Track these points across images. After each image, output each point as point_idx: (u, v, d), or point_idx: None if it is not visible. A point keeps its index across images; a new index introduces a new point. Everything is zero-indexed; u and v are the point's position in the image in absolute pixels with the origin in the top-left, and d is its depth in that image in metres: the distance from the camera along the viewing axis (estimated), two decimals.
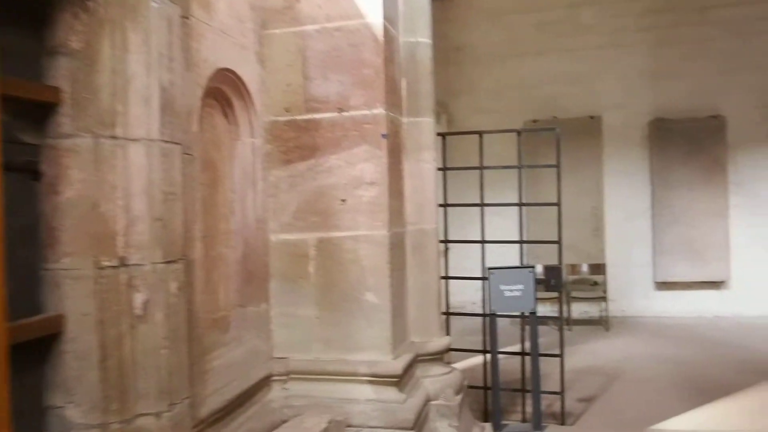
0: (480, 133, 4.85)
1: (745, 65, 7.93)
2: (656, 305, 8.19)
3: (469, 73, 8.64)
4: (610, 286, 8.12)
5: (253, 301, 3.35)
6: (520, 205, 4.94)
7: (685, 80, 8.08)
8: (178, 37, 2.44)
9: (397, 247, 3.26)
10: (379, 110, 3.07)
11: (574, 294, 7.81)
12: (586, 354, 6.47)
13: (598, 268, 8.00)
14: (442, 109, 8.45)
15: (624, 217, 8.26)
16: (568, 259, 8.25)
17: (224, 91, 3.14)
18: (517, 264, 5.13)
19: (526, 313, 4.33)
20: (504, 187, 7.62)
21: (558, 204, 4.75)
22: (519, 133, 4.87)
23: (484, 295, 4.47)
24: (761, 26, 7.86)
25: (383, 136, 3.06)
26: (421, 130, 3.56)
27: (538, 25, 8.43)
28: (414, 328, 3.54)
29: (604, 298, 7.64)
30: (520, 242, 4.99)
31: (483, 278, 4.56)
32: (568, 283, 8.10)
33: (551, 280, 4.45)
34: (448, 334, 4.99)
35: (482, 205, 4.95)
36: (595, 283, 8.18)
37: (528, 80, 8.45)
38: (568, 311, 7.79)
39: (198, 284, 2.80)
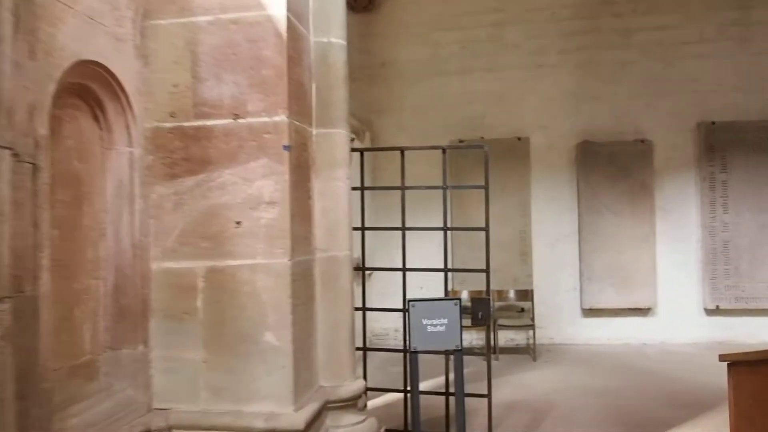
0: (401, 150, 4.45)
1: (668, 89, 7.94)
2: (584, 332, 8.00)
3: (394, 91, 8.31)
4: (538, 313, 7.87)
5: (128, 343, 2.79)
6: (445, 229, 4.55)
7: (610, 103, 8.02)
8: (12, 13, 1.90)
9: (302, 277, 2.79)
10: (281, 117, 2.60)
11: (501, 322, 7.50)
12: (513, 387, 6.13)
13: (526, 295, 7.75)
14: (365, 127, 8.07)
15: (551, 241, 8.08)
16: (494, 284, 7.94)
17: (93, 90, 2.60)
18: (442, 293, 4.72)
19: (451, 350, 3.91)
20: (430, 210, 7.32)
21: (486, 228, 4.40)
22: (444, 150, 4.50)
23: (405, 326, 4.03)
24: (683, 51, 7.91)
25: (285, 148, 2.59)
26: (334, 143, 3.10)
27: (463, 43, 8.20)
28: (324, 370, 3.05)
29: (531, 326, 7.37)
30: (445, 270, 4.59)
31: (404, 310, 4.12)
32: (494, 311, 7.81)
33: (479, 313, 4.05)
34: (365, 368, 4.52)
35: (403, 229, 4.53)
36: (522, 310, 7.93)
37: (454, 99, 8.19)
38: (495, 339, 7.48)
39: (46, 326, 2.23)
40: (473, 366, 6.73)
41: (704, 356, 7.19)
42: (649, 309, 7.89)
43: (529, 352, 7.52)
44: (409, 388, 3.89)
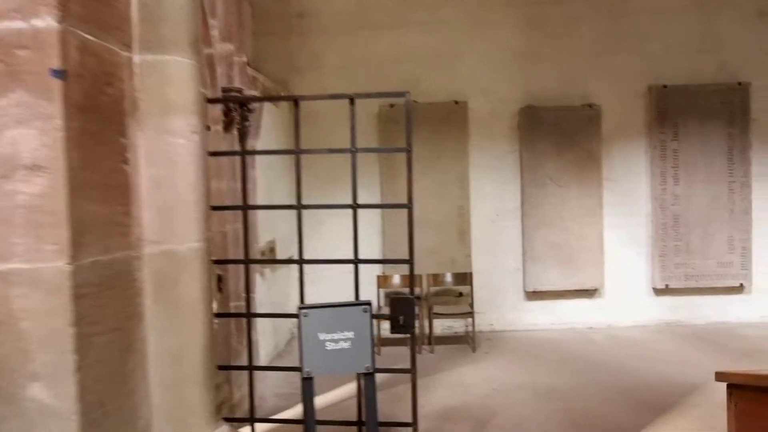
0: (295, 100, 3.44)
1: (618, 49, 7.18)
2: (527, 317, 7.25)
3: (314, 46, 7.23)
4: (478, 298, 7.06)
5: None
6: (354, 207, 3.59)
7: (555, 64, 7.19)
8: None
9: (107, 288, 1.78)
10: (48, 21, 1.56)
11: (436, 309, 6.63)
12: (449, 389, 5.29)
13: (464, 278, 6.91)
14: (280, 87, 6.97)
15: (492, 217, 7.25)
16: (429, 267, 7.11)
17: None
18: (356, 292, 3.80)
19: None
20: (360, 185, 6.39)
21: (409, 205, 3.46)
22: (352, 100, 3.51)
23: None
24: (633, 6, 7.14)
25: (56, 74, 1.56)
26: (169, 78, 2.05)
27: None
28: (162, 421, 2.05)
29: (470, 314, 6.52)
30: (355, 262, 3.66)
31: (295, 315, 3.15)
32: (429, 296, 6.94)
33: (400, 318, 3.12)
34: (251, 389, 3.55)
35: (299, 207, 3.56)
36: (461, 295, 7.10)
37: (384, 57, 7.18)
38: (430, 328, 6.62)
39: None
40: (404, 359, 5.85)
41: (656, 341, 6.57)
42: (595, 290, 7.19)
43: (468, 341, 6.70)
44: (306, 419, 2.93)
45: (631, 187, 7.24)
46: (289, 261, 3.74)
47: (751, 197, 7.10)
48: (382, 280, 6.94)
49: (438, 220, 7.08)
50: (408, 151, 3.38)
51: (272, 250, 6.30)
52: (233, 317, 4.50)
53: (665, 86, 7.12)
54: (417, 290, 6.94)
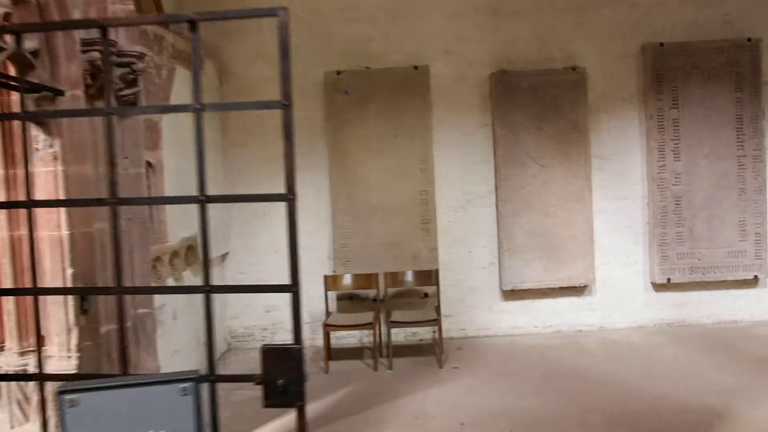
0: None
1: (605, 0, 6.07)
2: (505, 320, 6.16)
3: (247, 4, 6.01)
4: (446, 298, 5.97)
5: None
6: (200, 201, 2.44)
7: (532, 20, 6.08)
8: None
9: None
10: None
11: (395, 317, 5.50)
12: (406, 422, 4.18)
13: (429, 276, 5.79)
14: (208, 54, 5.76)
15: (462, 204, 6.14)
16: (387, 264, 5.96)
17: None
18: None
19: None
20: (307, 165, 5.28)
21: (290, 197, 2.30)
22: (193, 25, 2.31)
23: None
24: None
25: None
26: None
27: None
28: None
29: (436, 321, 5.40)
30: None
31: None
32: (387, 298, 5.81)
33: (278, 383, 1.97)
34: None
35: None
36: (426, 296, 5.99)
37: (330, 16, 6.03)
38: (388, 338, 5.50)
39: None
40: (359, 381, 4.77)
41: (658, 347, 5.53)
42: (584, 287, 6.12)
43: (434, 352, 5.59)
44: None
45: (625, 165, 6.16)
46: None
47: (766, 174, 6.05)
48: (331, 281, 5.80)
49: (397, 207, 5.94)
50: (285, 106, 2.20)
51: (191, 248, 5.12)
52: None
53: (662, 44, 6.03)
54: (372, 293, 5.82)
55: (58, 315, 3.22)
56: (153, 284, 4.36)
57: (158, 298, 4.56)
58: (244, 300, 6.16)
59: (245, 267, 6.18)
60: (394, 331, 5.59)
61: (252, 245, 6.14)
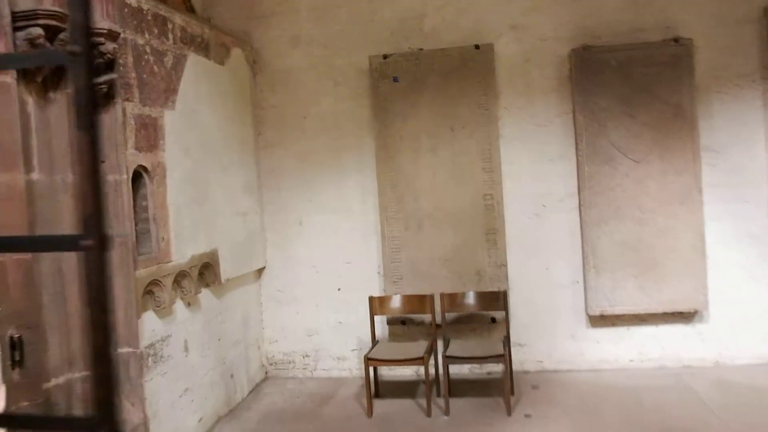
0: None
1: None
2: (592, 351, 5.04)
3: None
4: (518, 324, 4.94)
5: None
6: None
7: None
8: None
9: None
10: None
11: (452, 350, 4.51)
12: None
13: (496, 298, 4.77)
14: (238, 41, 5.01)
15: (536, 209, 5.07)
16: (444, 284, 4.98)
17: None
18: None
19: None
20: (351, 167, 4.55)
21: (88, 244, 1.22)
22: None
23: None
24: None
25: None
26: None
27: None
28: None
29: (501, 357, 4.36)
30: None
31: None
32: (445, 326, 4.83)
33: None
34: None
35: None
36: (493, 321, 4.96)
37: None
38: (445, 375, 4.52)
39: None
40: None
41: None
42: (694, 312, 4.90)
43: (502, 393, 4.54)
44: None
45: (744, 159, 4.89)
46: None
47: None
48: (378, 304, 4.89)
49: (455, 214, 4.96)
50: (74, 58, 1.20)
51: (208, 266, 4.35)
52: None
53: None
54: (426, 318, 4.86)
55: None
56: (144, 314, 3.61)
57: (162, 329, 3.82)
58: (280, 321, 5.38)
59: (283, 283, 5.39)
60: (452, 365, 4.60)
61: (288, 259, 5.35)
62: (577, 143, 4.92)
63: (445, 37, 5.01)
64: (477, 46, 4.96)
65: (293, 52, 5.24)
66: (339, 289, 5.28)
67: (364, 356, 4.49)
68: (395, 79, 5.02)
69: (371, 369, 4.50)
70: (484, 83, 4.95)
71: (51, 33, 2.63)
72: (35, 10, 2.50)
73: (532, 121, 5.01)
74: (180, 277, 4.00)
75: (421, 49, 5.03)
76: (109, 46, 2.98)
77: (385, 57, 5.04)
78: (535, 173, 5.02)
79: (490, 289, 4.85)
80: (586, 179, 4.88)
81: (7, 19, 2.46)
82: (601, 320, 4.98)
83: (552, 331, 5.06)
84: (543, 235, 5.03)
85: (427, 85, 4.96)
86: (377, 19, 5.10)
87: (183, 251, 3.98)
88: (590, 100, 4.85)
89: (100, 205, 0.95)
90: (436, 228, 4.95)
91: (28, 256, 2.56)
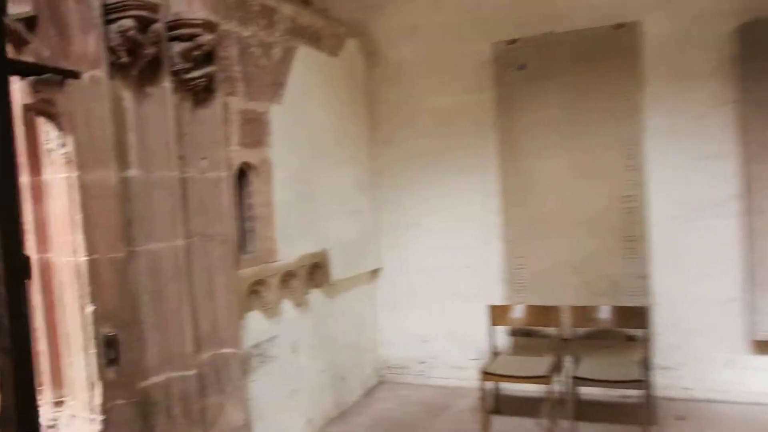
0: None
1: None
2: (753, 381, 4.29)
3: None
4: (662, 345, 4.32)
5: None
6: None
7: None
8: None
9: None
10: None
11: (582, 370, 4.00)
12: None
13: (636, 314, 4.19)
14: (351, 33, 4.83)
15: (686, 214, 4.39)
16: (573, 295, 4.47)
17: None
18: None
19: None
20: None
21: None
22: None
23: None
24: None
25: None
26: None
27: None
28: None
29: (641, 383, 3.79)
30: None
31: None
32: (574, 342, 4.32)
33: None
34: None
35: None
36: (632, 340, 4.37)
37: None
38: (573, 396, 4.02)
39: None
40: None
41: None
42: None
43: (640, 420, 3.96)
44: None
45: None
46: None
47: None
48: (498, 313, 4.49)
49: (588, 218, 4.43)
50: None
51: (317, 266, 4.21)
52: None
53: None
54: (552, 330, 4.39)
55: (80, 364, 2.47)
56: (250, 314, 3.52)
57: (269, 329, 3.72)
58: (395, 325, 5.17)
59: (397, 286, 5.16)
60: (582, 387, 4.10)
61: (404, 260, 5.11)
62: (741, 138, 4.17)
63: (580, 16, 4.47)
64: (619, 26, 4.37)
65: (410, 41, 4.96)
66: (456, 295, 4.95)
67: (481, 370, 4.12)
68: (521, 67, 4.58)
69: (490, 383, 4.13)
70: (626, 68, 4.35)
71: (143, 24, 2.55)
72: (125, 2, 2.43)
73: (684, 111, 4.32)
74: (288, 276, 3.88)
75: (552, 32, 4.53)
76: (206, 37, 2.88)
77: (510, 42, 4.61)
78: (688, 172, 4.33)
79: (627, 303, 4.27)
80: (753, 180, 4.12)
81: (98, 12, 2.40)
82: (766, 347, 4.20)
83: (703, 355, 4.37)
84: (694, 244, 4.34)
85: (557, 73, 4.47)
86: (501, 1, 4.66)
87: (289, 251, 3.86)
88: (759, 87, 4.08)
89: (15, 223, 0.72)
90: (566, 232, 4.45)
91: (120, 254, 2.50)
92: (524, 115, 4.55)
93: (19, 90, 2.31)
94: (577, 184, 4.45)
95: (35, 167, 2.54)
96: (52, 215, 2.46)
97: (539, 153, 4.53)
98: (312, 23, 4.18)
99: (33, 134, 2.54)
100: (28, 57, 2.25)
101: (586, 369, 4.01)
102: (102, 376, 2.45)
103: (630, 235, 4.36)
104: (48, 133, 2.41)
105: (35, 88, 2.26)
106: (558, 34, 4.48)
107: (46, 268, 2.59)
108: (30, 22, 2.26)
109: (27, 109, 2.38)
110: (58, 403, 2.66)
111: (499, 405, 4.41)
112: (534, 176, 4.55)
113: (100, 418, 2.45)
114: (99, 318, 2.44)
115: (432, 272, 4.97)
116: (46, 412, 2.67)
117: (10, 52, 2.28)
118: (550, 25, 4.52)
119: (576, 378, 3.93)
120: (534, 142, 4.54)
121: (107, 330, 2.48)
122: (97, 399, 2.45)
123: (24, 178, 2.55)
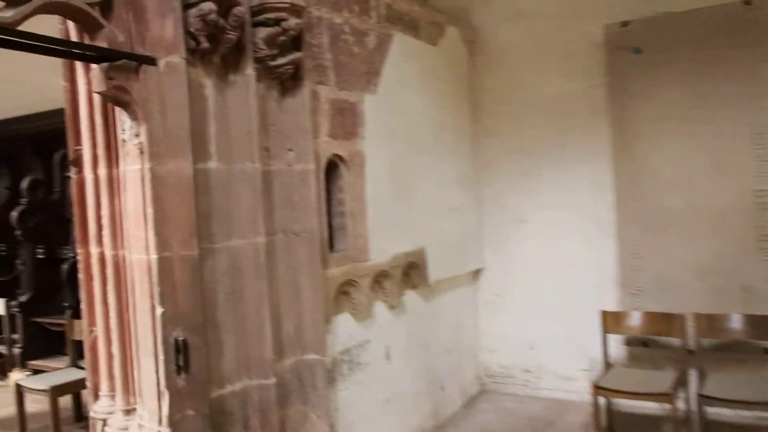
0: None
1: None
2: None
3: None
4: None
5: None
6: None
7: None
8: None
9: None
10: None
11: (710, 388, 3.51)
12: None
13: None
14: (451, 20, 4.55)
15: None
16: (699, 301, 3.94)
17: None
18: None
19: None
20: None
21: None
22: None
23: None
24: None
25: None
26: None
27: None
28: None
29: None
30: None
31: None
32: (700, 353, 3.82)
33: None
34: None
35: None
36: None
37: None
38: (700, 417, 3.54)
39: None
40: None
41: None
42: None
43: None
44: None
45: None
46: None
47: None
48: (611, 320, 4.06)
49: (714, 214, 3.92)
50: None
51: (413, 266, 3.96)
52: None
53: None
54: (674, 341, 3.91)
55: (149, 370, 2.34)
56: (339, 317, 3.32)
57: (360, 333, 3.51)
58: (498, 330, 4.84)
59: (501, 288, 4.83)
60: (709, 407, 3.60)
61: (508, 260, 4.77)
62: None
63: None
64: (747, 2, 3.83)
65: (515, 28, 4.63)
66: (565, 299, 4.55)
67: (593, 383, 3.72)
68: (637, 51, 4.14)
69: (603, 398, 3.73)
70: (755, 48, 3.81)
71: (225, 8, 2.41)
72: None
73: None
74: (381, 277, 3.65)
75: (670, 12, 4.06)
76: (292, 21, 2.71)
77: (624, 24, 4.18)
78: None
79: (763, 312, 3.72)
80: None
81: None
82: None
83: None
84: None
85: (676, 57, 3.99)
86: None
87: (383, 249, 3.63)
88: None
89: None
90: (688, 231, 3.96)
91: (194, 252, 2.36)
92: (640, 103, 4.11)
93: (93, 77, 2.22)
94: (700, 177, 3.95)
95: (113, 159, 2.45)
96: (127, 209, 2.36)
97: (657, 143, 4.07)
98: (410, 10, 3.95)
99: (112, 124, 2.46)
100: (101, 42, 2.15)
101: (715, 386, 3.51)
102: (170, 384, 2.30)
103: (764, 234, 3.81)
104: (123, 122, 2.31)
105: (108, 74, 2.15)
106: (677, 14, 4.00)
107: (120, 267, 2.49)
108: (105, 5, 2.16)
109: (101, 96, 2.28)
110: (129, 411, 2.55)
111: (613, 423, 3.98)
112: (651, 168, 4.09)
113: (166, 430, 2.30)
114: (169, 321, 2.29)
115: (538, 273, 4.61)
116: (116, 420, 2.57)
117: (84, 37, 2.21)
118: (668, 5, 4.04)
119: (703, 396, 3.44)
120: (651, 131, 4.08)
121: (177, 334, 2.32)
122: (165, 409, 2.30)
123: (101, 171, 2.47)
